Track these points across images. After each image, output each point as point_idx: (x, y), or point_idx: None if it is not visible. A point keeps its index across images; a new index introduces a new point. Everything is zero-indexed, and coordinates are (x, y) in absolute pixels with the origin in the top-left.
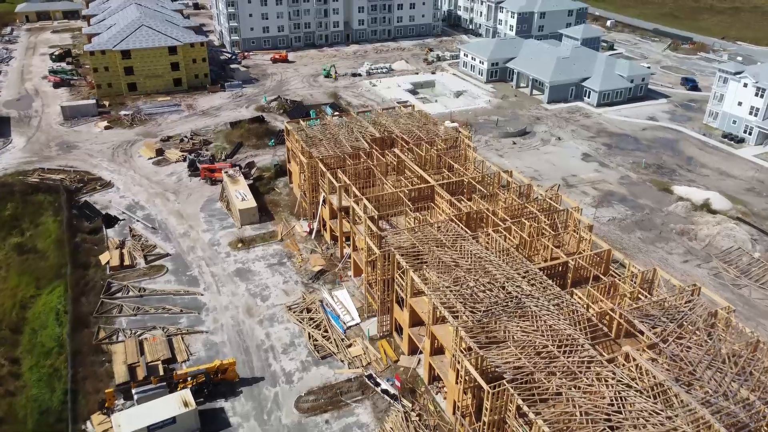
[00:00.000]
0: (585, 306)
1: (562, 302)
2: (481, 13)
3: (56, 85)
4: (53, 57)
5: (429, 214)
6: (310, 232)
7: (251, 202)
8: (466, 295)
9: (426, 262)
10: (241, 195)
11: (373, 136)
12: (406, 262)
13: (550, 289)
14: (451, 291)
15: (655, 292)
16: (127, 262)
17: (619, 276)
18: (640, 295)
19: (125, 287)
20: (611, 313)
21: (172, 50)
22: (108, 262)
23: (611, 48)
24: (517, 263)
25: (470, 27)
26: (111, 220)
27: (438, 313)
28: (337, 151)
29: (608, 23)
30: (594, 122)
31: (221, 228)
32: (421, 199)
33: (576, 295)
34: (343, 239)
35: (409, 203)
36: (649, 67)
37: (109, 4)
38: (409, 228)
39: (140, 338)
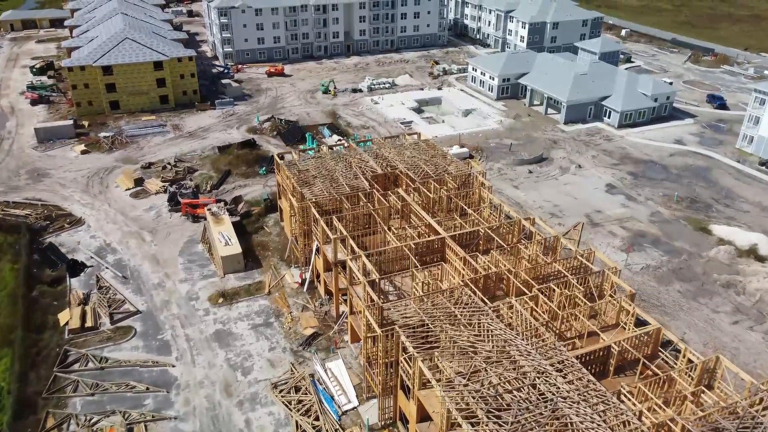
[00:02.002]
0: (637, 412)
1: (609, 408)
2: (489, 22)
3: (34, 102)
4: (33, 70)
5: (439, 273)
6: (302, 284)
7: (236, 248)
8: (489, 396)
9: (437, 345)
10: (225, 238)
11: (374, 172)
12: (414, 347)
13: (593, 388)
14: (469, 391)
15: (718, 386)
16: (89, 322)
17: (671, 361)
18: (702, 393)
19: (84, 357)
20: (671, 424)
21: (158, 65)
22: (67, 323)
23: (628, 60)
24: (550, 349)
25: (477, 37)
26: (77, 267)
27: (454, 416)
28: (333, 191)
29: (623, 33)
30: (616, 146)
31: (201, 277)
32: (430, 253)
33: (623, 394)
34: (339, 296)
35: (416, 262)
36: (671, 83)
37: (94, 14)
38: (417, 297)
39: (95, 428)
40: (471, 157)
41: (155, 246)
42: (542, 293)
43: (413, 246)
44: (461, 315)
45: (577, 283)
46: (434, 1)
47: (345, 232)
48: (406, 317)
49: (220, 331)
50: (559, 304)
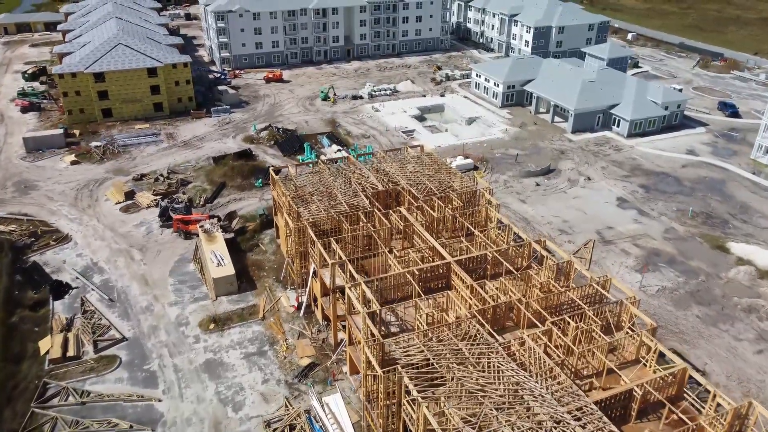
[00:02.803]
0: None
1: None
2: (493, 26)
3: (24, 110)
4: (25, 76)
5: (445, 302)
6: (299, 308)
7: (228, 269)
8: None
9: (443, 386)
10: (218, 258)
11: (374, 189)
12: (418, 390)
13: None
14: None
15: None
16: (71, 351)
17: (698, 402)
18: None
19: (64, 390)
20: None
21: (152, 72)
22: (48, 352)
23: (636, 65)
24: (567, 393)
25: (481, 41)
26: (61, 289)
27: None
28: (332, 210)
29: (629, 36)
30: (626, 157)
31: (192, 300)
32: (435, 279)
33: None
34: (338, 323)
35: (420, 290)
36: (680, 89)
37: (88, 18)
38: (421, 331)
39: None
40: (476, 168)
41: (144, 265)
42: (556, 325)
43: (416, 272)
44: (469, 352)
45: (594, 314)
46: (437, 4)
47: (343, 256)
48: (409, 355)
49: (210, 361)
50: (574, 338)
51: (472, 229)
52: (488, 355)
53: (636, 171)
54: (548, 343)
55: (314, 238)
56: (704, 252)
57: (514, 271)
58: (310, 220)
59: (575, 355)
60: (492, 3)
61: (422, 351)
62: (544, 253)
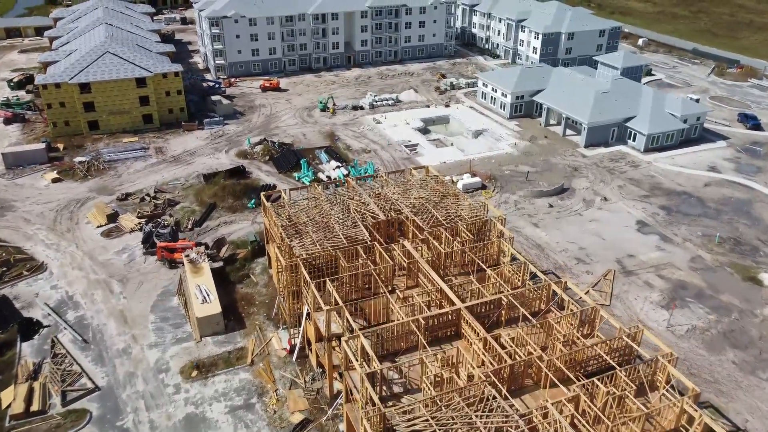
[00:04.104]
0: None
1: None
2: (499, 31)
3: (7, 121)
4: (11, 84)
5: (455, 355)
6: (291, 351)
7: (214, 307)
8: None
9: None
10: (203, 293)
11: (375, 218)
12: None
13: None
14: None
15: None
16: (36, 405)
17: None
18: None
19: None
20: None
21: (141, 82)
22: (9, 406)
23: (648, 73)
24: None
25: (486, 47)
26: (31, 328)
27: None
28: (328, 244)
29: (640, 42)
30: (644, 174)
31: (174, 341)
32: (443, 326)
33: None
34: (334, 373)
35: (426, 343)
36: (697, 100)
37: (77, 24)
38: (428, 398)
39: None
40: (484, 187)
41: (124, 299)
42: (584, 387)
43: (422, 321)
44: (484, 427)
45: (626, 375)
46: (440, 9)
47: (340, 301)
48: (415, 429)
49: (191, 416)
50: (604, 405)
51: (484, 266)
52: (506, 430)
53: (655, 190)
54: (575, 413)
55: (308, 278)
56: (735, 284)
57: (530, 318)
58: (304, 256)
59: (608, 427)
60: (498, 8)
61: (430, 425)
62: (565, 297)
